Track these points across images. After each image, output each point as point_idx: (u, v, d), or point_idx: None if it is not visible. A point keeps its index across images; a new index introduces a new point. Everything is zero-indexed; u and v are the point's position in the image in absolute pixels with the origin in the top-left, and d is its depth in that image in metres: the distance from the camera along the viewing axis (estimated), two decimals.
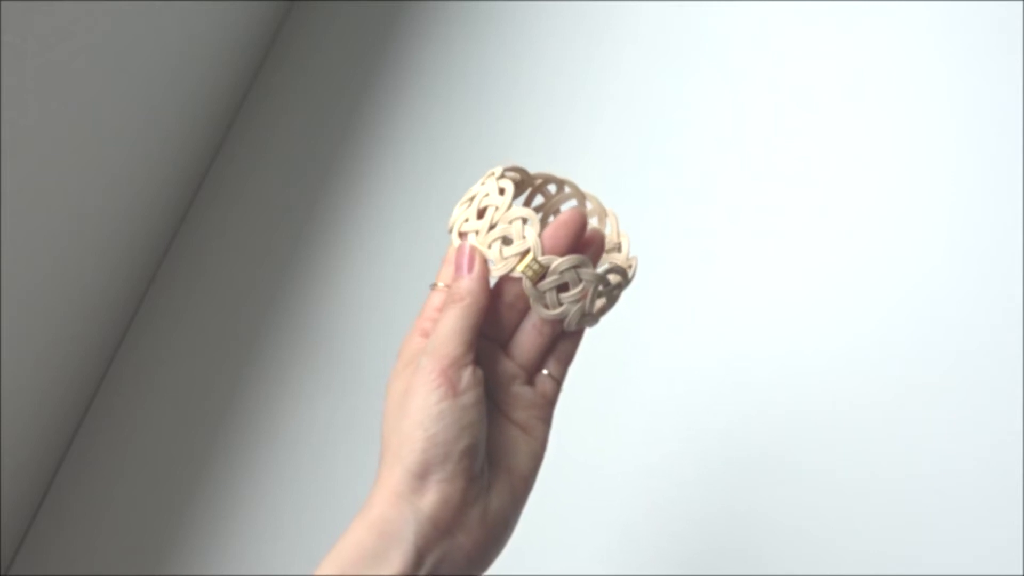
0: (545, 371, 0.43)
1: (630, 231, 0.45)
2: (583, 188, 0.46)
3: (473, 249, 0.40)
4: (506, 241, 0.40)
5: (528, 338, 0.43)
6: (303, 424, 0.77)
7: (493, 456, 0.40)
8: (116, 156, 0.76)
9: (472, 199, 0.42)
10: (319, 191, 0.90)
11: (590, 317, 0.41)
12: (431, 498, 0.36)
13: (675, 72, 0.92)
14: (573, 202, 0.46)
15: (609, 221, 0.46)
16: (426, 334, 0.41)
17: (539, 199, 0.47)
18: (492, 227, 0.40)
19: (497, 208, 0.40)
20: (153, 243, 0.86)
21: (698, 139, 0.87)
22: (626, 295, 0.44)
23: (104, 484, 0.77)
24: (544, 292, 0.40)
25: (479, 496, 0.38)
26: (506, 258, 0.39)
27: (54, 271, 0.71)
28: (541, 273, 0.39)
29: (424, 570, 0.36)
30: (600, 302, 0.41)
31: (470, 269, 0.40)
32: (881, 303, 0.76)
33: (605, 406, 0.74)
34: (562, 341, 0.43)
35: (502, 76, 0.95)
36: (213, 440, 0.77)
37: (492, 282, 0.41)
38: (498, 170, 0.43)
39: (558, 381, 0.44)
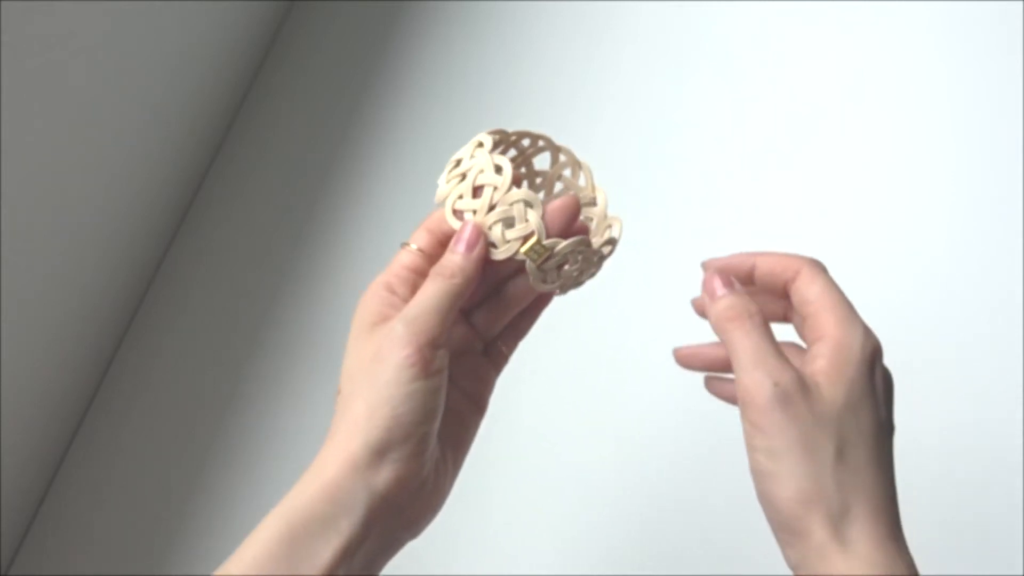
0: (500, 343, 0.44)
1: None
2: (557, 142, 0.46)
3: (478, 229, 0.40)
4: (508, 223, 0.39)
5: (497, 313, 0.43)
6: (303, 424, 0.77)
7: (442, 428, 0.39)
8: (116, 156, 0.76)
9: (464, 174, 0.41)
10: (319, 191, 0.90)
11: (578, 284, 0.42)
12: (387, 476, 0.36)
13: (675, 72, 0.92)
14: (547, 154, 0.46)
15: (583, 174, 0.46)
16: (391, 290, 0.40)
17: (512, 152, 0.46)
18: (492, 208, 0.40)
19: (496, 188, 0.40)
20: (153, 243, 0.86)
21: (698, 139, 0.87)
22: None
23: (104, 484, 0.77)
24: (546, 271, 0.40)
25: (429, 474, 0.38)
26: (509, 241, 0.39)
27: (54, 271, 0.71)
28: (544, 255, 0.39)
29: (369, 542, 0.36)
30: (592, 271, 0.42)
31: (470, 249, 0.39)
32: (880, 303, 0.76)
33: (604, 405, 0.74)
34: (523, 317, 0.44)
35: (502, 76, 0.95)
36: (213, 440, 0.77)
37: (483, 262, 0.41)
38: (487, 141, 0.42)
39: (507, 356, 0.44)
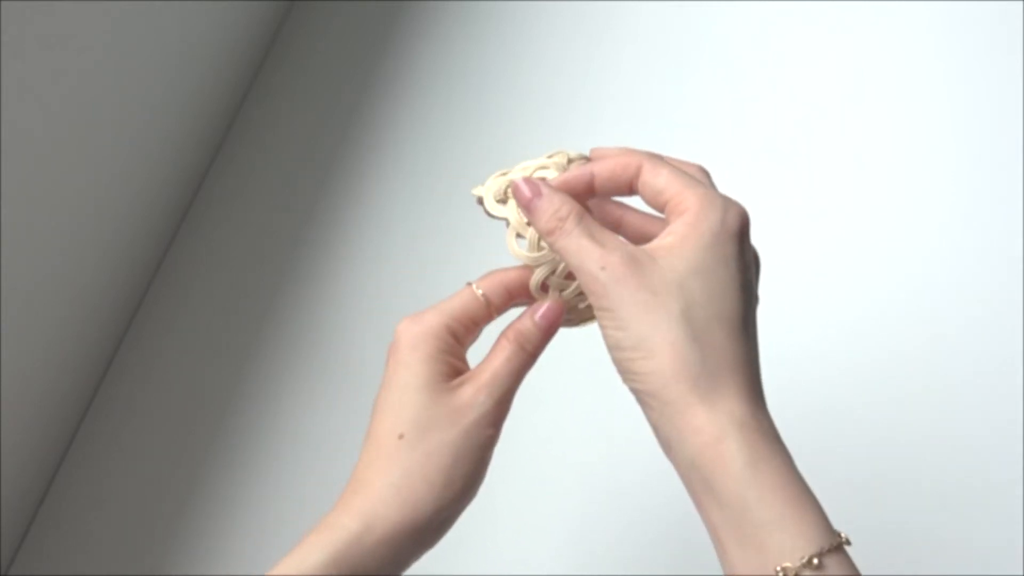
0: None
1: None
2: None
3: (559, 314, 0.40)
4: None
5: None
6: (303, 424, 0.77)
7: None
8: (116, 156, 0.76)
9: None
10: (319, 191, 0.90)
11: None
12: (440, 536, 0.38)
13: (675, 72, 0.92)
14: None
15: None
16: (456, 336, 0.39)
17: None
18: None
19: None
20: (153, 243, 0.86)
21: (698, 139, 0.87)
22: None
23: (104, 484, 0.77)
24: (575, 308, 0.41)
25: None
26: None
27: (54, 271, 0.71)
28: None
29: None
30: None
31: (550, 326, 0.39)
32: (881, 303, 0.76)
33: (602, 403, 0.74)
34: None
35: (502, 76, 0.95)
36: (213, 440, 0.77)
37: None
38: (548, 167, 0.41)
39: None
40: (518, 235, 0.40)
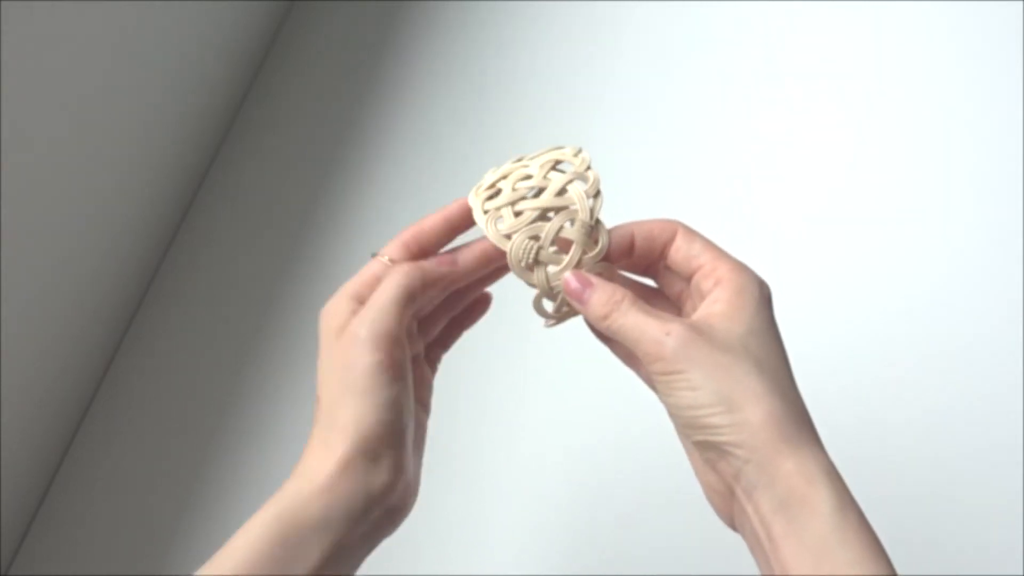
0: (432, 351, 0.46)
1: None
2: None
3: (495, 250, 0.41)
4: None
5: (436, 317, 0.44)
6: (302, 424, 0.77)
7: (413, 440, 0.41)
8: (116, 156, 0.76)
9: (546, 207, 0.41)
10: (319, 191, 0.90)
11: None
12: (383, 478, 0.37)
13: (676, 72, 0.92)
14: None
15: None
16: (359, 299, 0.41)
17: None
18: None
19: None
20: (153, 243, 0.86)
21: (698, 140, 0.87)
22: None
23: (104, 484, 0.77)
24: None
25: (412, 473, 0.40)
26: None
27: (54, 271, 0.71)
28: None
29: (356, 542, 0.37)
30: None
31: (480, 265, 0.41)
32: (880, 303, 0.76)
33: (591, 400, 0.74)
34: (454, 325, 0.46)
35: (502, 76, 0.95)
36: (213, 440, 0.77)
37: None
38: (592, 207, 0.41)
39: (437, 363, 0.46)
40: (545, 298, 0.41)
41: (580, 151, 0.41)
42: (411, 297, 0.40)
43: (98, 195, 0.75)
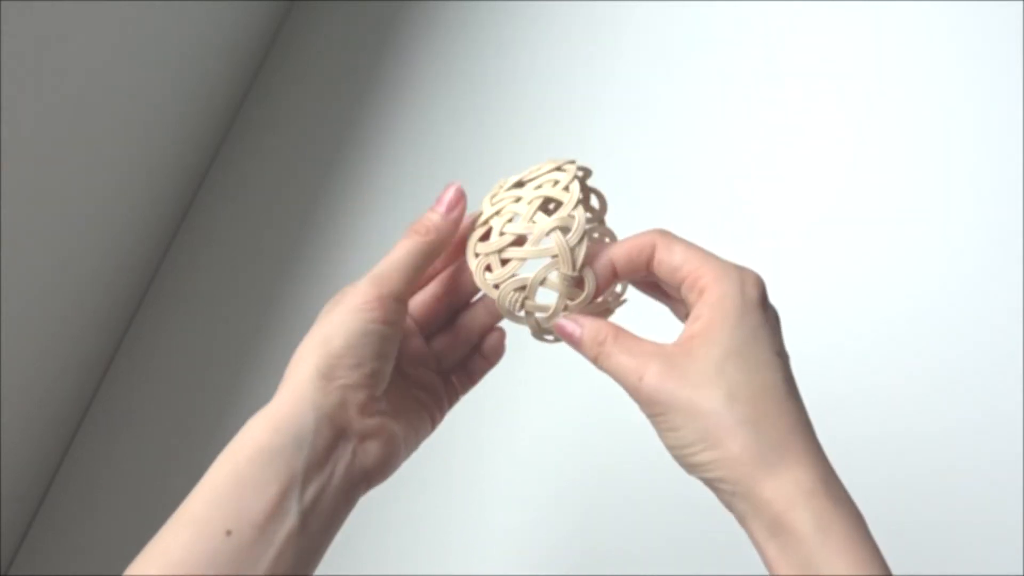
0: (454, 378, 0.45)
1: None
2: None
3: (460, 191, 0.41)
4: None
5: (451, 341, 0.44)
6: None
7: (394, 405, 0.40)
8: (116, 156, 0.76)
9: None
10: (319, 191, 0.90)
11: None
12: (333, 398, 0.37)
13: (676, 73, 0.92)
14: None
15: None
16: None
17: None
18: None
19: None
20: (153, 244, 0.86)
21: (698, 141, 0.87)
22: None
23: (104, 484, 0.77)
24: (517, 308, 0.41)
25: (376, 414, 0.39)
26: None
27: (54, 271, 0.71)
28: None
29: (319, 475, 0.36)
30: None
31: (449, 210, 0.41)
32: (880, 304, 0.76)
33: (594, 404, 0.74)
34: (475, 360, 0.45)
35: (501, 76, 0.95)
36: (213, 440, 0.77)
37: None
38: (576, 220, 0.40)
39: (460, 393, 0.45)
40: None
41: (571, 182, 0.40)
42: (426, 259, 0.40)
43: (98, 195, 0.75)
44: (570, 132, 0.90)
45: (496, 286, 0.40)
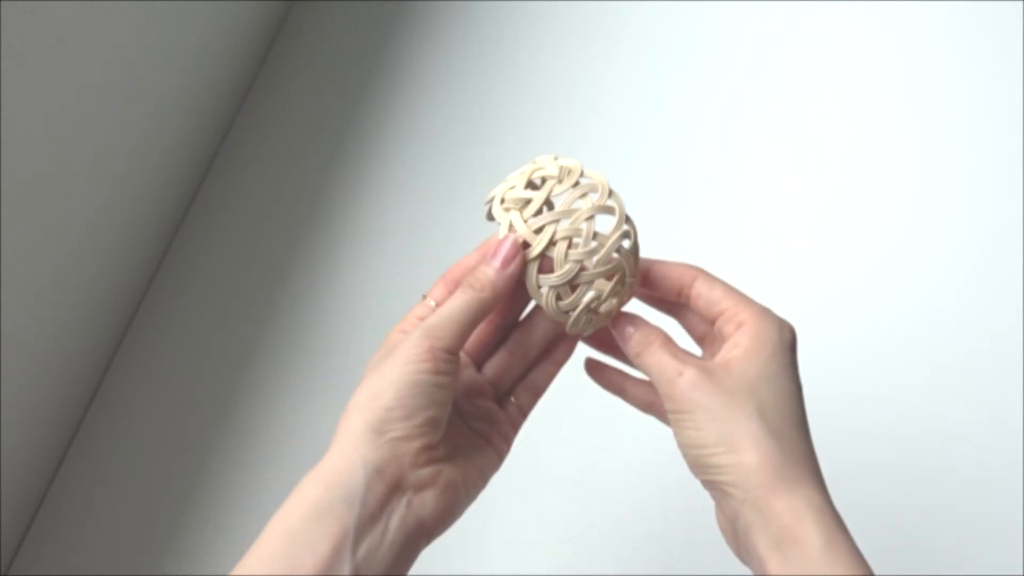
0: (513, 398, 0.45)
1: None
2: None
3: (516, 244, 0.40)
4: (572, 240, 0.41)
5: (507, 362, 0.44)
6: (303, 424, 0.77)
7: (453, 447, 0.40)
8: (116, 156, 0.76)
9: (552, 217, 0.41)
10: (319, 191, 0.90)
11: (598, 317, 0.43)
12: (383, 451, 0.37)
13: (675, 72, 0.92)
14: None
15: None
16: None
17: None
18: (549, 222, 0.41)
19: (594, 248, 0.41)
20: (153, 243, 0.86)
21: (698, 142, 0.87)
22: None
23: (104, 484, 0.77)
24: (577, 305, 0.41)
25: (432, 462, 0.38)
26: (570, 261, 0.40)
27: (54, 271, 0.71)
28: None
29: (372, 531, 0.36)
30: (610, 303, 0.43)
31: (505, 265, 0.40)
32: (880, 303, 0.76)
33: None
34: (537, 371, 0.45)
35: (502, 76, 0.95)
36: (213, 440, 0.77)
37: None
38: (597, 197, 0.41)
39: (524, 412, 0.45)
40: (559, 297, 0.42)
41: (608, 188, 0.42)
42: (480, 315, 0.40)
43: (98, 195, 0.75)
44: (570, 132, 0.90)
45: (567, 312, 0.41)
